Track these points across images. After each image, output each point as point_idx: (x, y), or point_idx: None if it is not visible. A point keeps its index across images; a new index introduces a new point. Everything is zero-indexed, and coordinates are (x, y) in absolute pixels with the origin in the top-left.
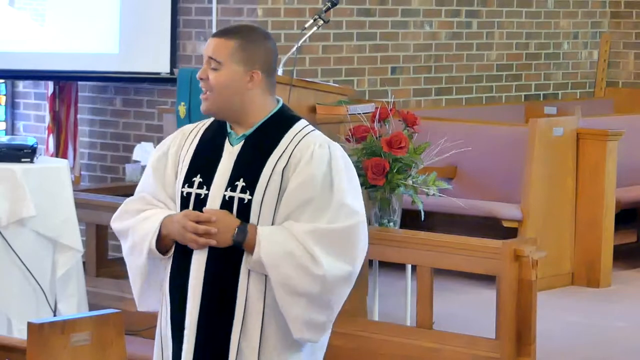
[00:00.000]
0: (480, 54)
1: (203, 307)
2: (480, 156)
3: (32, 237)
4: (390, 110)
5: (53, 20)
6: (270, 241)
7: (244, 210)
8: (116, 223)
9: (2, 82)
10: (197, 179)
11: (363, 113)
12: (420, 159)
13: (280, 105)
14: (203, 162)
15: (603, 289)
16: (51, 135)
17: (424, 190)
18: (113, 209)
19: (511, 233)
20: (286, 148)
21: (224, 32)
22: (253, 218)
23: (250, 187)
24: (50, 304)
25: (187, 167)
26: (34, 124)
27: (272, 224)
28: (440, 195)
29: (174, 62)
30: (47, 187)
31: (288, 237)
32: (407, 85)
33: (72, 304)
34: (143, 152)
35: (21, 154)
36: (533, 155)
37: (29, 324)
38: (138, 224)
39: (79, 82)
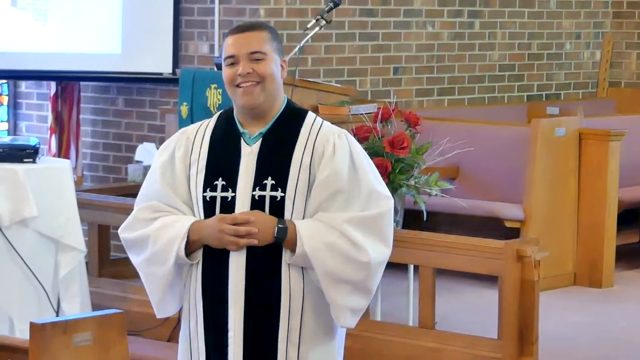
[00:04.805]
0: (482, 54)
1: (247, 310)
2: (482, 156)
3: (35, 238)
4: (393, 110)
5: (55, 20)
6: (311, 234)
7: (277, 208)
8: (126, 233)
9: (5, 83)
10: (220, 182)
11: (365, 113)
12: (423, 159)
13: (286, 99)
14: (222, 165)
15: (605, 289)
16: (53, 136)
17: (426, 191)
18: (115, 209)
19: (513, 233)
20: (307, 141)
21: (250, 27)
22: (287, 214)
23: (280, 184)
24: (52, 304)
25: (203, 171)
26: (36, 124)
27: (303, 217)
28: (442, 196)
29: (176, 63)
30: (50, 187)
31: (327, 228)
32: (409, 85)
33: (76, 304)
34: (145, 152)
35: (23, 154)
36: (535, 156)
37: (31, 324)
38: (159, 232)
39: (81, 83)
